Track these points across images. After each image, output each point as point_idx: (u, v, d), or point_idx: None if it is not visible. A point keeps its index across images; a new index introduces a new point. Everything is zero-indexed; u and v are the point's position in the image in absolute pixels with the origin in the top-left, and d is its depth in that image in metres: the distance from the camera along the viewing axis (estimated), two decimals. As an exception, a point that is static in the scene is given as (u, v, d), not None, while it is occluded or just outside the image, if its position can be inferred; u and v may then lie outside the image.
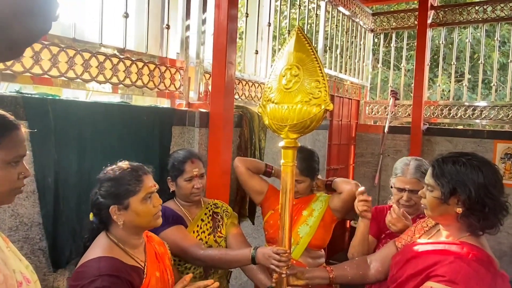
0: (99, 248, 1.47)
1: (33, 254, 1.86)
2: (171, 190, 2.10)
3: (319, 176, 2.38)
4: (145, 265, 1.54)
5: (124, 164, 1.57)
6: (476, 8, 4.63)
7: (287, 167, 1.64)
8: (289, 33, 3.81)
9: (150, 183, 1.55)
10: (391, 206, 2.08)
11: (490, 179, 1.36)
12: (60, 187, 1.90)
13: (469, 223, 1.38)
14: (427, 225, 1.60)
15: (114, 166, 1.56)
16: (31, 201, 1.84)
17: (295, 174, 1.82)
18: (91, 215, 1.56)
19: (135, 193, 1.50)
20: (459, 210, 1.38)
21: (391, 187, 2.08)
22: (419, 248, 1.48)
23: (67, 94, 2.39)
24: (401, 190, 2.02)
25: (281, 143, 1.66)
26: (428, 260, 1.40)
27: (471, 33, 4.84)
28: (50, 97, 1.93)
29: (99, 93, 2.28)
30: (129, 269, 1.47)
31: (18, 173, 1.13)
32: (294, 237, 2.15)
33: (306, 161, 2.25)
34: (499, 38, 4.63)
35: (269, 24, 3.54)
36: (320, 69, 1.56)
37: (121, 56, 2.26)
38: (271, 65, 1.77)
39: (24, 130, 1.15)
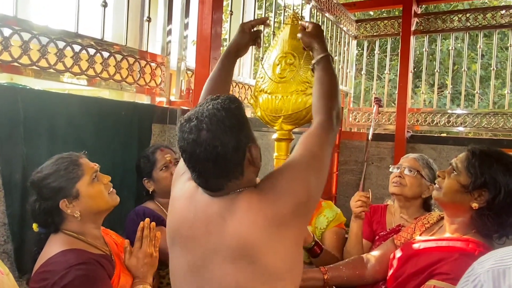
0: (57, 245, 1.35)
1: (-4, 258, 1.68)
2: (150, 190, 1.96)
3: None
4: (110, 253, 1.45)
5: (53, 157, 1.43)
6: (459, 16, 4.66)
7: (280, 161, 1.53)
8: (273, 35, 3.76)
9: (89, 163, 1.44)
10: (387, 205, 1.99)
11: None
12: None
13: (482, 223, 1.31)
14: (428, 221, 1.51)
15: (44, 164, 1.43)
16: (-5, 199, 1.66)
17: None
18: (35, 226, 1.41)
19: (79, 178, 1.38)
20: (476, 205, 1.31)
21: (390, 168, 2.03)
22: (421, 245, 1.39)
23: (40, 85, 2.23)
24: (398, 167, 1.95)
25: (274, 135, 1.55)
26: (431, 257, 1.31)
27: (452, 43, 4.87)
28: (20, 86, 1.77)
29: (74, 85, 2.12)
30: (98, 257, 1.36)
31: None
32: None
33: None
34: (480, 46, 4.66)
35: (254, 25, 3.45)
36: (317, 56, 1.46)
37: (98, 47, 2.12)
38: (260, 65, 1.66)
39: None
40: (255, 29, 1.53)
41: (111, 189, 1.48)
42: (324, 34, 1.41)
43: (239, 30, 1.52)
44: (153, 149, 1.99)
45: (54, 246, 1.34)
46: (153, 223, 1.51)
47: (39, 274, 1.29)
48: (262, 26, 1.52)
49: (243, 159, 1.09)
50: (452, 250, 1.29)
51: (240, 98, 3.05)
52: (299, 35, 1.43)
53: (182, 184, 1.25)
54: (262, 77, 1.60)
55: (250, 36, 1.51)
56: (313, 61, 1.35)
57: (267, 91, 1.54)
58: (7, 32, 1.74)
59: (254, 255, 1.04)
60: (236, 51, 1.52)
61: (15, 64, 1.77)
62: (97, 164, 1.47)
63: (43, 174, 1.39)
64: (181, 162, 1.32)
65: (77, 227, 1.39)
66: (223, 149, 1.04)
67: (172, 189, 1.30)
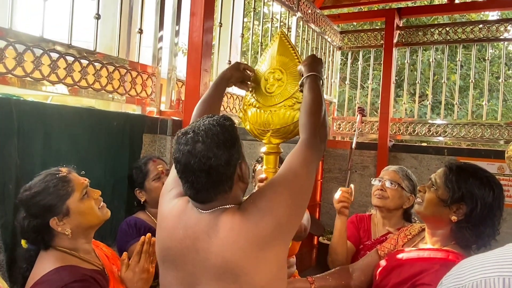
0: (50, 262, 1.31)
1: (-12, 268, 1.70)
2: (142, 201, 2.00)
3: None
4: (103, 267, 1.44)
5: (41, 173, 1.40)
6: (439, 29, 4.83)
7: (269, 173, 1.59)
8: (261, 45, 3.84)
9: (79, 179, 1.41)
10: (371, 215, 2.07)
11: (498, 201, 1.38)
12: (22, 195, 1.75)
13: (461, 235, 1.38)
14: (410, 233, 1.58)
15: (32, 181, 1.39)
16: (-11, 209, 1.68)
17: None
18: (23, 243, 1.38)
19: (69, 195, 1.35)
20: (455, 218, 1.38)
21: (372, 180, 2.10)
22: (404, 256, 1.46)
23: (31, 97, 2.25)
24: (379, 180, 2.03)
25: (263, 149, 1.61)
26: (414, 268, 1.38)
27: (433, 55, 5.03)
28: (15, 97, 1.80)
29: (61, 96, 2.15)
30: (93, 272, 1.35)
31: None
32: None
33: None
34: (460, 59, 4.83)
35: (242, 35, 3.52)
36: (304, 73, 1.53)
37: (91, 59, 2.16)
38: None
39: None
40: (247, 71, 1.64)
41: (102, 203, 1.46)
42: (321, 61, 1.49)
43: (235, 66, 1.62)
44: (145, 160, 2.03)
45: (47, 263, 1.31)
46: (154, 239, 1.48)
47: None
48: (251, 72, 1.63)
49: (233, 174, 1.15)
50: (433, 261, 1.36)
51: (229, 108, 3.11)
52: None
53: (169, 201, 1.28)
54: (251, 91, 1.66)
55: (241, 74, 1.62)
56: (299, 82, 1.42)
57: (256, 105, 1.61)
58: (20, 48, 1.78)
59: (237, 274, 1.09)
60: (229, 78, 1.59)
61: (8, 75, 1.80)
62: (86, 179, 1.44)
63: (31, 192, 1.34)
64: (170, 177, 1.37)
65: (69, 243, 1.37)
66: (216, 161, 1.10)
67: (160, 205, 1.32)
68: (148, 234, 1.53)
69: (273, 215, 1.12)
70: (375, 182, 2.05)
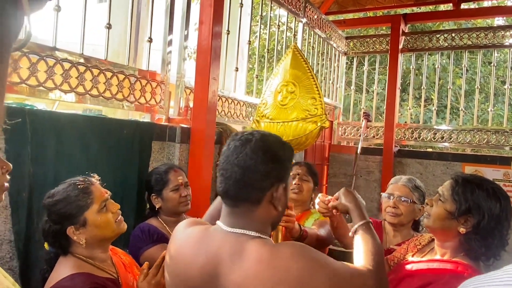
0: (66, 268, 1.38)
1: (2, 275, 1.72)
2: (157, 207, 2.01)
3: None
4: (118, 276, 1.47)
5: (66, 182, 1.47)
6: (444, 35, 4.84)
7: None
8: (268, 51, 3.86)
9: (100, 191, 1.47)
10: (381, 221, 2.08)
11: (505, 212, 1.38)
12: (34, 203, 1.77)
13: (469, 247, 1.39)
14: (420, 243, 1.59)
15: (57, 188, 1.46)
16: (3, 217, 1.71)
17: (302, 171, 2.09)
18: (46, 245, 1.45)
19: (88, 207, 1.41)
20: (463, 230, 1.38)
21: (381, 197, 2.08)
22: (413, 266, 1.47)
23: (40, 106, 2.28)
24: (390, 196, 2.01)
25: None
26: (423, 279, 1.39)
27: (438, 60, 5.04)
28: (28, 107, 1.82)
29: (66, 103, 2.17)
30: (106, 281, 1.40)
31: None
32: None
33: (311, 166, 2.37)
34: (465, 65, 4.84)
35: (249, 42, 3.54)
36: (317, 87, 1.56)
37: (102, 68, 2.18)
38: (266, 83, 1.76)
39: None
40: None
41: (119, 217, 1.50)
42: (357, 199, 1.47)
43: None
44: (166, 168, 2.03)
45: (64, 269, 1.37)
46: None
47: None
48: None
49: (266, 190, 1.11)
50: (442, 273, 1.37)
51: (235, 114, 3.13)
52: (334, 210, 1.54)
53: (183, 231, 1.24)
54: (264, 103, 1.68)
55: None
56: (352, 228, 1.37)
57: (269, 117, 1.63)
58: (16, 54, 1.79)
59: None
60: None
61: (23, 85, 1.82)
62: (108, 192, 1.50)
63: (53, 199, 1.42)
64: (178, 226, 1.31)
65: (85, 251, 1.42)
66: (255, 165, 1.09)
67: (172, 240, 1.26)
68: None
69: (297, 281, 1.02)
70: (386, 198, 2.03)
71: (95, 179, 1.51)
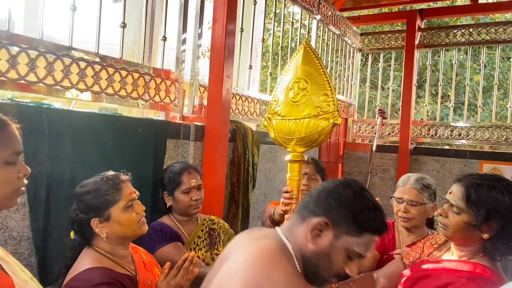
0: (87, 260, 1.43)
1: (21, 270, 1.76)
2: (168, 205, 2.03)
3: None
4: (136, 273, 1.50)
5: (99, 175, 1.52)
6: (462, 31, 4.75)
7: (293, 181, 1.61)
8: (282, 48, 3.85)
9: (129, 190, 1.51)
10: (394, 222, 2.06)
11: None
12: (52, 200, 1.81)
13: (493, 249, 1.35)
14: (437, 242, 1.57)
15: (90, 179, 1.52)
16: (21, 214, 1.74)
17: (310, 170, 2.01)
18: (72, 233, 1.50)
19: (115, 203, 1.46)
20: (487, 236, 1.34)
21: (391, 199, 2.05)
22: (429, 266, 1.45)
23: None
24: (399, 200, 1.98)
25: (288, 157, 1.63)
26: (440, 280, 1.37)
27: (456, 56, 4.95)
28: (45, 105, 1.86)
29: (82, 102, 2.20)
30: (122, 276, 1.43)
31: (18, 172, 1.07)
32: None
33: (319, 162, 2.31)
34: (483, 61, 4.75)
35: (263, 40, 3.54)
36: (329, 83, 1.55)
37: (117, 66, 2.21)
38: (278, 80, 1.76)
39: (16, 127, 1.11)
40: None
41: (143, 219, 1.53)
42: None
43: None
44: (180, 169, 2.03)
45: (84, 262, 1.42)
46: (196, 258, 1.53)
47: None
48: None
49: (324, 229, 1.12)
50: (459, 274, 1.34)
51: (249, 112, 3.14)
52: None
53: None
54: (276, 100, 1.68)
55: None
56: None
57: (281, 114, 1.62)
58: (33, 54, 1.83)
59: None
60: None
61: (40, 84, 1.86)
62: (137, 192, 1.54)
63: (84, 189, 1.48)
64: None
65: (106, 246, 1.47)
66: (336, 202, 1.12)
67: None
68: (192, 253, 1.54)
69: None
70: (396, 202, 1.99)
71: (127, 177, 1.55)
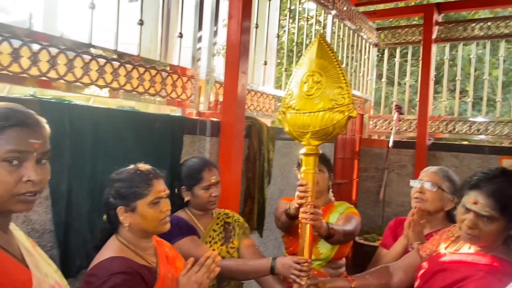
0: (109, 250, 1.49)
1: (43, 262, 1.81)
2: (185, 199, 2.05)
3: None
4: (157, 265, 1.54)
5: (137, 166, 1.57)
6: (481, 24, 4.68)
7: (308, 174, 1.62)
8: (296, 45, 3.85)
9: (160, 187, 1.54)
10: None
11: None
12: (73, 194, 1.85)
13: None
14: (453, 234, 1.56)
15: (127, 168, 1.58)
16: (44, 207, 1.79)
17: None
18: (104, 216, 1.57)
19: (143, 196, 1.50)
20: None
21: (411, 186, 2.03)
22: (446, 259, 1.45)
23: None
24: (418, 182, 1.96)
25: (302, 150, 1.64)
26: (457, 274, 1.36)
27: (474, 50, 4.87)
28: (66, 101, 1.91)
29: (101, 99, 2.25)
30: (141, 267, 1.47)
31: (19, 176, 0.98)
32: (315, 253, 2.01)
33: (323, 153, 2.24)
34: (502, 55, 4.66)
35: (278, 36, 3.55)
36: (343, 76, 1.55)
37: (135, 63, 2.25)
38: (290, 77, 1.76)
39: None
40: None
41: (167, 218, 1.55)
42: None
43: None
44: (201, 165, 2.02)
45: (107, 250, 1.48)
46: (219, 257, 1.53)
47: (88, 276, 1.44)
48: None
49: None
50: (477, 268, 1.34)
51: (264, 108, 3.16)
52: None
53: None
54: (290, 94, 1.69)
55: None
56: None
57: (295, 108, 1.64)
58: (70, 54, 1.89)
59: None
60: None
61: (61, 81, 1.91)
62: (167, 190, 1.57)
63: (119, 176, 1.54)
64: None
65: (128, 236, 1.52)
66: None
67: None
68: (216, 252, 1.54)
69: None
70: (414, 184, 1.97)
71: (161, 174, 1.59)
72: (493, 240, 1.39)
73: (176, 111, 2.73)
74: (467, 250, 1.45)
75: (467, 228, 1.39)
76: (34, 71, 1.80)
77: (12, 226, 1.10)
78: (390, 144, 4.78)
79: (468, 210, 1.40)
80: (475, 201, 1.37)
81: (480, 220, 1.37)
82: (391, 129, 4.96)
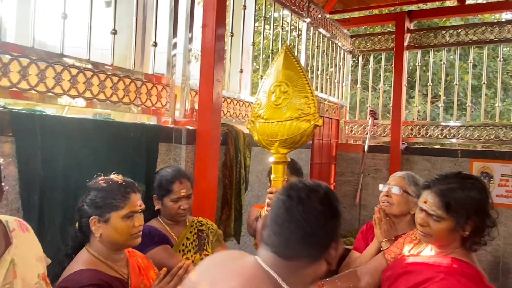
0: (79, 262, 1.48)
1: (15, 274, 1.80)
2: (156, 208, 2.07)
3: None
4: (128, 277, 1.54)
5: (115, 177, 1.57)
6: (450, 31, 4.83)
7: (277, 182, 1.66)
8: (272, 52, 3.91)
9: (136, 201, 1.54)
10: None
11: (488, 199, 1.42)
12: (45, 205, 1.85)
13: (471, 243, 1.43)
14: (416, 237, 1.62)
15: (106, 177, 1.57)
16: (15, 218, 1.78)
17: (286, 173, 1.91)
18: (77, 224, 1.55)
19: (118, 209, 1.49)
20: (466, 234, 1.42)
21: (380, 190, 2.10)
22: (409, 261, 1.50)
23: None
24: (385, 186, 2.04)
25: (271, 159, 1.68)
26: (420, 276, 1.42)
27: (445, 56, 5.02)
28: (37, 112, 1.91)
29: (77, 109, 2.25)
30: (112, 279, 1.47)
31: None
32: None
33: (294, 162, 2.30)
34: (471, 61, 4.82)
35: (253, 44, 3.59)
36: (309, 86, 1.61)
37: (109, 73, 2.26)
38: (259, 84, 1.81)
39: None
40: None
41: (139, 233, 1.56)
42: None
43: None
44: (172, 177, 2.04)
45: (78, 263, 1.47)
46: (192, 267, 1.55)
47: None
48: None
49: (328, 247, 1.12)
50: (438, 270, 1.40)
51: (240, 115, 3.19)
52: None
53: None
54: (258, 104, 1.74)
55: None
56: None
57: (264, 117, 1.68)
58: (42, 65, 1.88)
59: None
60: None
61: (32, 91, 1.91)
62: (142, 205, 1.57)
63: (96, 185, 1.53)
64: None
65: (100, 247, 1.51)
66: (325, 223, 1.12)
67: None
68: (189, 262, 1.58)
69: None
70: (383, 189, 2.05)
71: (140, 188, 1.60)
72: (446, 240, 1.46)
73: (152, 120, 2.74)
74: (429, 253, 1.51)
75: (419, 226, 1.49)
76: (4, 82, 1.80)
77: None
78: (366, 148, 4.88)
79: (421, 209, 1.49)
80: (425, 200, 1.47)
81: (430, 218, 1.46)
82: (367, 134, 5.06)
